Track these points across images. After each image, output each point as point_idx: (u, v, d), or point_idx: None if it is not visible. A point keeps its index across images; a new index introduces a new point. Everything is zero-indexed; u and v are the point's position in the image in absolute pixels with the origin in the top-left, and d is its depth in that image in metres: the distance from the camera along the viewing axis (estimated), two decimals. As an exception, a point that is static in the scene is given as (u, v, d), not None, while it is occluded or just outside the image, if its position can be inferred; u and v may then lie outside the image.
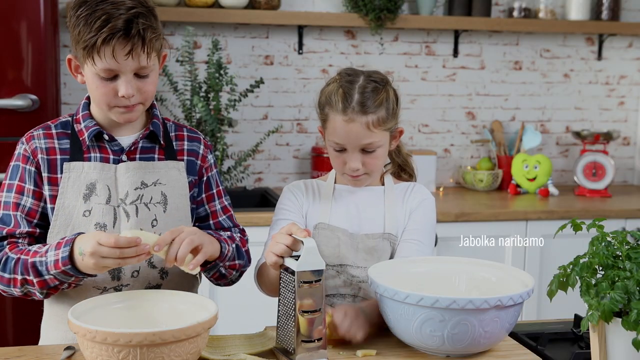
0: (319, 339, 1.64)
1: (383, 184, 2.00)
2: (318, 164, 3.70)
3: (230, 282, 1.93)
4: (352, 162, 1.88)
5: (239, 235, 1.94)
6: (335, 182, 2.00)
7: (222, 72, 3.40)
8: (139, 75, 1.74)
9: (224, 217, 1.94)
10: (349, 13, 3.68)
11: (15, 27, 2.91)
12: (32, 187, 1.80)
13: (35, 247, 1.74)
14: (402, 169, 2.07)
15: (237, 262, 1.87)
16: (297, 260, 1.62)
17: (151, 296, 1.71)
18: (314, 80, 3.80)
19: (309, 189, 2.01)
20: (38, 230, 1.80)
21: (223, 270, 1.84)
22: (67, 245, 1.66)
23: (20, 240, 1.78)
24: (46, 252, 1.69)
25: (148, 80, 1.76)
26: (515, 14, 3.91)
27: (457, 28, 3.86)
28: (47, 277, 1.70)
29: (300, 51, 3.78)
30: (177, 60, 3.48)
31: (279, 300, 1.68)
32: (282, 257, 1.65)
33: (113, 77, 1.72)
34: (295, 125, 3.83)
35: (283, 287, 1.67)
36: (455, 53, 3.95)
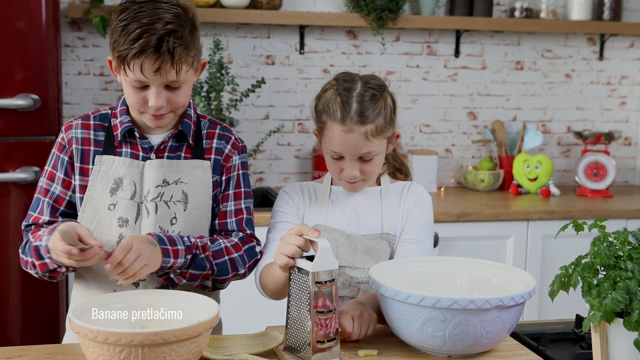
0: (332, 339, 1.64)
1: (379, 185, 2.00)
2: (319, 164, 3.70)
3: (205, 288, 1.89)
4: (349, 170, 1.87)
5: (234, 241, 1.88)
6: (331, 184, 2.00)
7: (223, 72, 3.40)
8: (170, 86, 1.76)
9: (233, 219, 1.91)
10: (351, 13, 3.68)
11: (16, 26, 2.91)
12: (62, 176, 1.87)
13: (40, 231, 1.82)
14: (397, 170, 2.07)
15: (189, 271, 1.81)
16: (308, 260, 1.62)
17: (152, 296, 1.71)
18: (316, 80, 3.80)
19: (305, 192, 2.00)
20: (60, 219, 1.86)
21: (172, 275, 1.81)
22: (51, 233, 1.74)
23: (43, 226, 1.85)
24: (45, 235, 1.78)
25: (179, 92, 1.79)
26: (516, 14, 3.91)
27: (459, 28, 3.86)
28: (46, 260, 1.78)
29: (302, 51, 3.78)
30: (179, 60, 3.48)
31: (289, 300, 1.68)
32: (293, 258, 1.65)
33: (144, 86, 1.75)
34: (297, 125, 3.83)
35: (294, 287, 1.66)
36: (457, 53, 3.95)
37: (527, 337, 1.86)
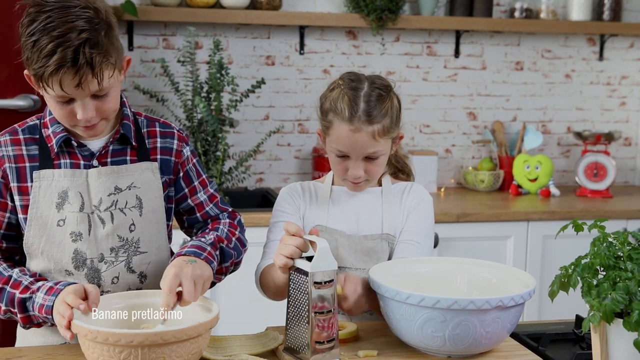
0: (331, 340, 1.64)
1: (381, 185, 2.00)
2: (319, 164, 3.70)
3: (230, 273, 1.92)
4: (354, 169, 1.87)
5: (227, 222, 1.90)
6: (332, 184, 2.00)
7: (223, 72, 3.40)
8: (96, 95, 1.66)
9: (211, 206, 1.92)
10: (351, 13, 3.69)
11: (16, 26, 2.91)
12: None
13: (25, 281, 1.70)
14: (400, 170, 2.07)
15: (223, 265, 1.84)
16: (307, 261, 1.62)
17: (152, 296, 1.71)
18: (316, 81, 3.80)
19: (306, 191, 2.00)
20: (4, 245, 1.78)
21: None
22: (54, 295, 1.63)
23: None
24: (38, 289, 1.67)
25: (107, 99, 1.68)
26: (516, 14, 3.91)
27: (459, 28, 3.86)
28: (32, 313, 1.69)
29: (302, 51, 3.78)
30: (179, 61, 3.48)
31: (288, 301, 1.68)
32: (292, 259, 1.65)
33: (69, 100, 1.65)
34: (297, 126, 3.83)
35: (293, 288, 1.66)
36: (457, 53, 3.95)
37: (527, 337, 1.86)
